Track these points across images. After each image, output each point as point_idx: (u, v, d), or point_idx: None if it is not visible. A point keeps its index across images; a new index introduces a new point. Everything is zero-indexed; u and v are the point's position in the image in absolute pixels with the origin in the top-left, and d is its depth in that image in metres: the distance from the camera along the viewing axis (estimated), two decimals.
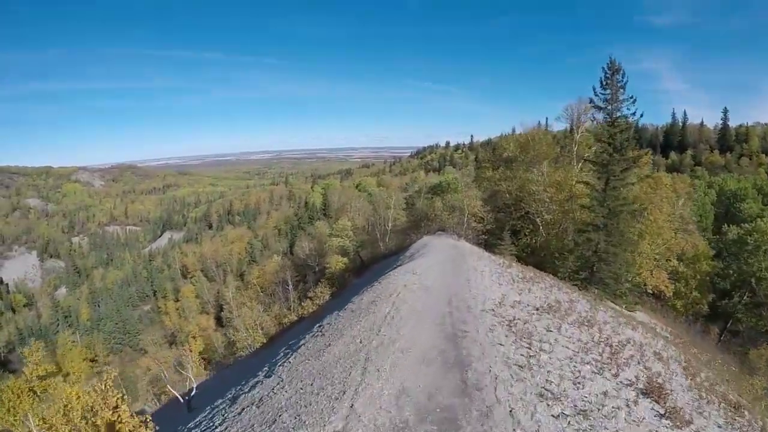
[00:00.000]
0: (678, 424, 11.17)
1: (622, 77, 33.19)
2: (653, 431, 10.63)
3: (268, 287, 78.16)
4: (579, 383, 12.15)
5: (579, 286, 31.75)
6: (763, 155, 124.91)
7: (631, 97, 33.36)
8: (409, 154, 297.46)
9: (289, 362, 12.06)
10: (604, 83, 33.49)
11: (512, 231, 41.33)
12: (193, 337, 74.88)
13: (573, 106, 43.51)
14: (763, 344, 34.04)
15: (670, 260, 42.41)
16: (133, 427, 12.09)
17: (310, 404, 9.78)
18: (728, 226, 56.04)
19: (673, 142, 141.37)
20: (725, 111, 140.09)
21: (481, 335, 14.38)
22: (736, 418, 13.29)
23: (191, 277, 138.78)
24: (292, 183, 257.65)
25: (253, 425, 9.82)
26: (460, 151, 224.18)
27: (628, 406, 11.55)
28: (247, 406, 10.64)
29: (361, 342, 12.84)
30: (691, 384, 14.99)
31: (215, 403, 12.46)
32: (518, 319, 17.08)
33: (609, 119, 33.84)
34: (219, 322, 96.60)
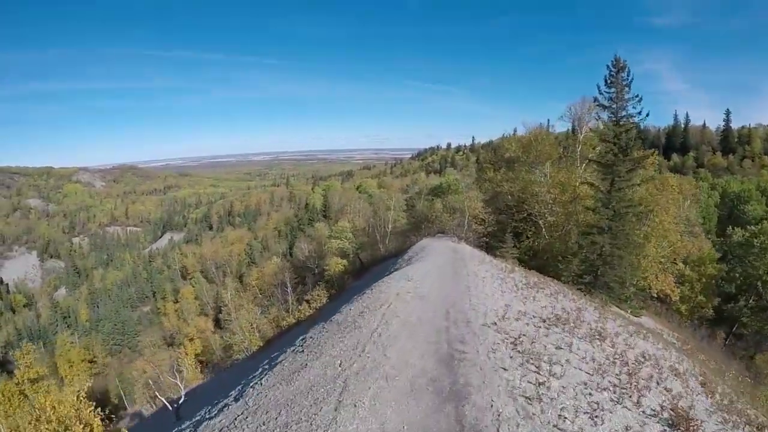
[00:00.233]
0: None
1: (628, 75, 32.24)
2: None
3: (267, 289, 77.38)
4: (597, 417, 10.58)
5: (583, 291, 30.88)
6: (766, 157, 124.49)
7: (637, 96, 32.39)
8: (410, 156, 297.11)
9: (261, 384, 10.25)
10: (609, 81, 32.52)
11: (514, 233, 40.41)
12: (190, 340, 74.59)
13: (576, 105, 42.55)
14: None
15: (676, 263, 41.56)
16: None
17: None
18: (733, 228, 55.26)
19: (675, 144, 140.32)
20: (728, 112, 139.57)
21: (481, 357, 12.62)
22: None
23: (191, 279, 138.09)
24: (293, 184, 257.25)
25: None
26: (461, 153, 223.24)
27: None
28: None
29: (340, 365, 11.00)
30: (713, 403, 13.81)
31: (196, 417, 11.31)
32: (524, 335, 15.26)
33: (614, 118, 32.90)
34: (218, 323, 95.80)
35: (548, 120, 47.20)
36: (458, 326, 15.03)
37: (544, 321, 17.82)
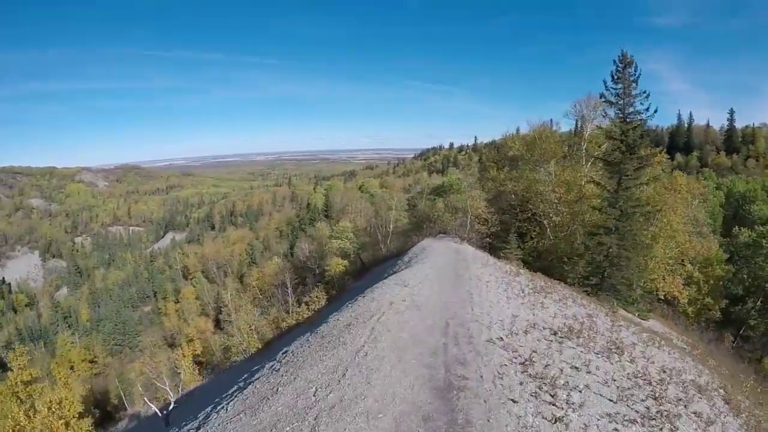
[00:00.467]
0: None
1: (635, 71, 31.38)
2: None
3: (267, 290, 76.70)
4: None
5: (590, 293, 30.01)
6: None
7: (644, 92, 31.56)
8: (412, 156, 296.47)
9: (226, 411, 9.02)
10: (616, 77, 31.67)
11: (518, 234, 39.45)
12: (190, 341, 73.96)
13: (582, 102, 41.61)
14: None
15: (684, 265, 40.62)
16: None
17: None
18: (739, 228, 54.31)
19: (678, 144, 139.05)
20: (731, 112, 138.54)
21: (486, 385, 10.46)
22: None
23: (192, 279, 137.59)
24: (295, 184, 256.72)
25: None
26: (463, 153, 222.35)
27: None
28: None
29: (315, 394, 9.11)
30: (741, 425, 12.68)
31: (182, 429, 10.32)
32: (535, 352, 13.41)
33: (621, 115, 32.05)
34: (218, 324, 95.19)
35: (551, 119, 46.48)
36: (459, 343, 13.17)
37: (556, 333, 16.20)
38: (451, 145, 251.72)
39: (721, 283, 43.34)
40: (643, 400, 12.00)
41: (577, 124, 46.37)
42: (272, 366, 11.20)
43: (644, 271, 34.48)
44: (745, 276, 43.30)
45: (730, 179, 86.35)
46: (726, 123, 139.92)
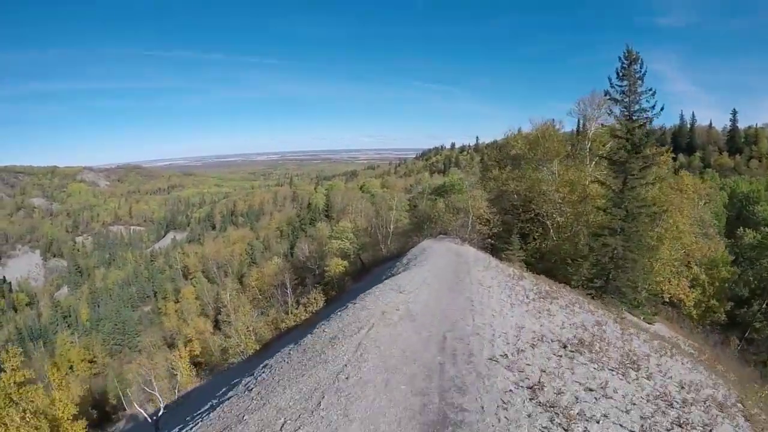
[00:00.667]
0: None
1: (641, 67, 30.63)
2: None
3: (267, 290, 76.11)
4: None
5: (594, 296, 29.26)
6: None
7: (650, 90, 30.82)
8: (414, 156, 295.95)
9: None
10: (621, 74, 30.90)
11: (520, 234, 38.70)
12: (189, 341, 73.37)
13: (585, 100, 40.83)
14: None
15: (690, 266, 39.88)
16: None
17: None
18: (744, 229, 53.53)
19: (681, 144, 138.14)
20: (734, 112, 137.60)
21: (488, 419, 8.93)
22: None
23: (192, 278, 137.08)
24: (297, 184, 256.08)
25: None
26: (465, 153, 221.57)
27: None
28: None
29: (282, 427, 7.75)
30: None
31: None
32: (545, 371, 11.76)
33: (626, 113, 31.31)
34: (217, 324, 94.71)
35: (553, 119, 45.85)
36: (457, 362, 11.55)
37: (565, 347, 14.71)
38: (453, 145, 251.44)
39: (726, 285, 42.72)
40: (669, 430, 10.70)
41: (580, 123, 45.63)
42: (247, 384, 9.93)
43: (650, 273, 33.73)
44: (751, 278, 42.74)
45: (734, 180, 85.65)
46: (729, 123, 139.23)
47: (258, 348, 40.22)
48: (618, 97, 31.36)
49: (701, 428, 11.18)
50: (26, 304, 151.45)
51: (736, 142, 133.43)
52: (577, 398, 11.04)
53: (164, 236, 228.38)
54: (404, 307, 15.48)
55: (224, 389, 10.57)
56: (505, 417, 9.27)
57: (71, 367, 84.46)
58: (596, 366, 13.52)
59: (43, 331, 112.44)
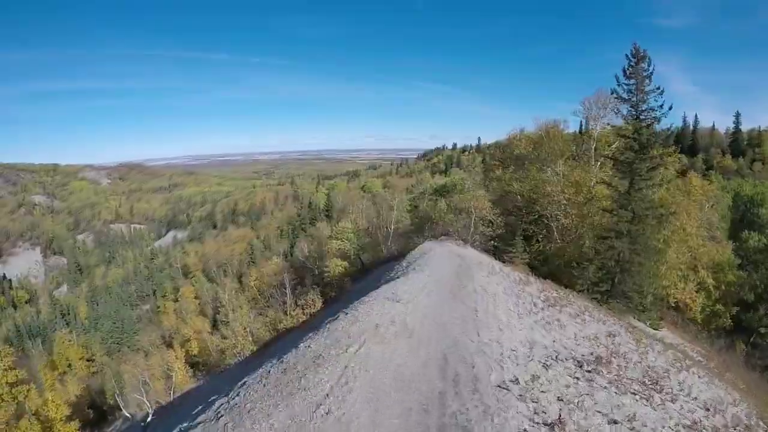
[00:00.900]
0: None
1: (648, 66, 29.96)
2: None
3: (266, 290, 75.53)
4: None
5: (600, 300, 28.47)
6: None
7: (659, 88, 30.13)
8: (415, 156, 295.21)
9: None
10: (628, 72, 30.24)
11: (524, 236, 37.88)
12: (186, 341, 72.80)
13: (591, 99, 40.05)
14: None
15: (697, 270, 39.05)
16: None
17: None
18: (749, 232, 52.71)
19: (683, 146, 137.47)
20: (737, 115, 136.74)
21: None
22: None
23: (192, 277, 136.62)
24: (298, 184, 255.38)
25: None
26: (467, 153, 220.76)
27: None
28: None
29: None
30: None
31: None
32: (562, 399, 10.32)
33: (633, 112, 30.56)
34: (216, 324, 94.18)
35: (556, 119, 45.10)
36: (460, 390, 9.86)
37: (581, 366, 13.23)
38: (455, 145, 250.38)
39: (732, 289, 41.96)
40: None
41: (585, 123, 44.87)
42: (218, 410, 8.32)
43: (656, 277, 32.89)
44: (757, 282, 41.90)
45: (738, 182, 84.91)
46: (732, 126, 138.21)
47: (255, 349, 39.66)
48: (625, 95, 30.69)
49: None
50: (26, 302, 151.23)
51: (739, 144, 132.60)
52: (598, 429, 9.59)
53: (165, 235, 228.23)
54: (400, 319, 13.94)
55: (199, 408, 9.54)
56: None
57: (69, 365, 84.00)
58: (617, 389, 12.24)
59: (42, 328, 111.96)
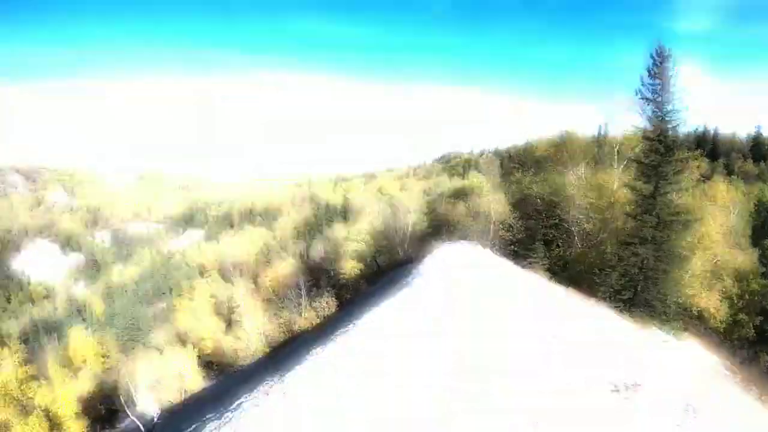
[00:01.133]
0: None
1: (673, 66, 29.13)
2: None
3: (281, 291, 75.41)
4: None
5: (622, 309, 27.65)
6: None
7: (684, 89, 29.31)
8: (433, 159, 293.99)
9: None
10: (653, 72, 29.38)
11: (544, 241, 37.05)
12: (201, 340, 72.92)
13: (613, 101, 39.30)
14: None
15: (722, 279, 37.87)
16: None
17: None
18: None
19: (704, 150, 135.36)
20: (759, 119, 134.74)
21: None
22: None
23: (207, 277, 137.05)
24: (315, 184, 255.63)
25: None
26: (485, 156, 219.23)
27: None
28: None
29: None
30: None
31: None
32: None
33: (658, 113, 29.67)
34: (230, 324, 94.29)
35: (578, 122, 44.29)
36: None
37: (618, 390, 12.22)
38: (473, 149, 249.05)
39: (756, 298, 40.70)
40: None
41: (606, 126, 43.97)
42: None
43: (681, 285, 31.88)
44: None
45: (760, 187, 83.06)
46: (753, 130, 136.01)
47: (267, 351, 39.49)
48: (650, 96, 29.81)
49: None
50: (43, 297, 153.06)
51: (761, 149, 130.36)
52: None
53: (183, 233, 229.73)
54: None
55: (194, 427, 8.89)
56: None
57: (84, 361, 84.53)
58: (659, 415, 11.40)
59: (59, 324, 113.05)
